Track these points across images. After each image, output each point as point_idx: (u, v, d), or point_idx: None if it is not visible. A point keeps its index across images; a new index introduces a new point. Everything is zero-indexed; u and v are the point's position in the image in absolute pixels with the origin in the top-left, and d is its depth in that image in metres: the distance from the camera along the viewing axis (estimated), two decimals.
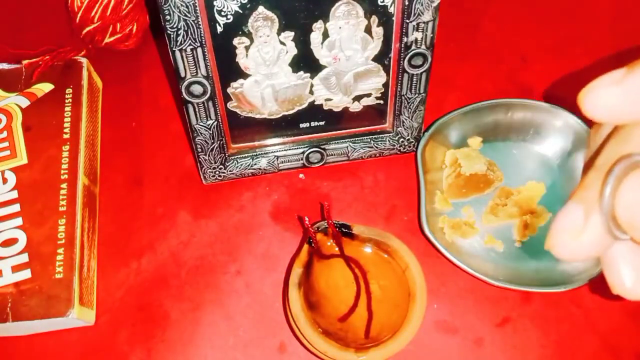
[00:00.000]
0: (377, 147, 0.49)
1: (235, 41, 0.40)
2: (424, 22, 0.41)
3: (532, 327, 0.44)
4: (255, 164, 0.48)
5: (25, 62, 0.50)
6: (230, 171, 0.48)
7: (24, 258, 0.42)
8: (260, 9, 0.39)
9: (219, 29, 0.39)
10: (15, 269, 0.41)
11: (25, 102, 0.48)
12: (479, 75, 0.55)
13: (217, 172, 0.48)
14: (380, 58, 0.44)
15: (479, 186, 0.48)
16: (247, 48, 0.41)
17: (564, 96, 0.52)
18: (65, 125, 0.47)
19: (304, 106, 0.46)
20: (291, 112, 0.46)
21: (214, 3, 0.38)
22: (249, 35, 0.40)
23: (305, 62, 0.43)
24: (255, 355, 0.43)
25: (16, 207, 0.43)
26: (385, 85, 0.46)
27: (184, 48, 0.39)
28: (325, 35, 0.41)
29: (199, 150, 0.46)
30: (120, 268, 0.46)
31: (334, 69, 0.44)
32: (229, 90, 0.43)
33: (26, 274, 0.41)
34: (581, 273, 0.43)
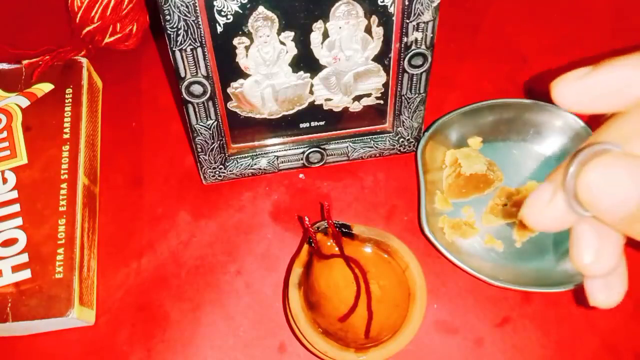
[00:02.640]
0: (377, 147, 0.49)
1: (235, 41, 0.40)
2: (424, 22, 0.41)
3: (532, 327, 0.44)
4: (255, 164, 0.48)
5: (25, 62, 0.50)
6: (230, 171, 0.48)
7: (24, 258, 0.42)
8: (260, 9, 0.39)
9: (219, 29, 0.39)
10: (15, 269, 0.41)
11: (25, 102, 0.48)
12: (479, 75, 0.55)
13: (217, 172, 0.48)
14: (380, 58, 0.44)
15: (479, 186, 0.48)
16: (247, 48, 0.41)
17: None
18: (65, 125, 0.47)
19: (304, 106, 0.46)
20: (291, 112, 0.46)
21: (214, 3, 0.38)
22: (249, 35, 0.40)
23: (305, 62, 0.43)
24: (255, 355, 0.43)
25: (16, 207, 0.43)
26: (385, 85, 0.46)
27: (184, 48, 0.39)
28: (325, 35, 0.41)
29: (199, 150, 0.46)
30: (120, 268, 0.46)
31: (334, 69, 0.44)
32: (229, 90, 0.43)
33: (26, 274, 0.41)
34: (581, 273, 0.43)
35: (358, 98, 0.46)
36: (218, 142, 0.46)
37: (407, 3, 0.40)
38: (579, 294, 0.44)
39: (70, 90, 0.49)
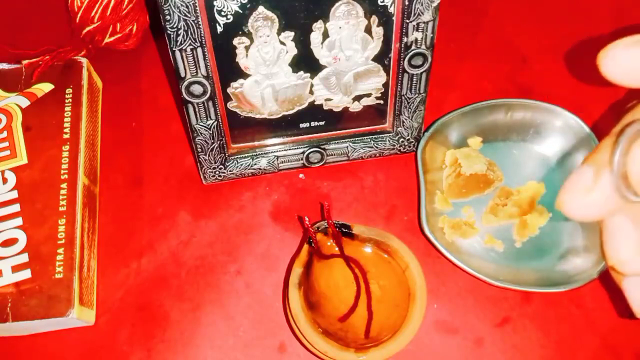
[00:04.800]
0: (377, 147, 0.49)
1: (235, 41, 0.40)
2: (424, 22, 0.41)
3: (532, 327, 0.44)
4: (255, 164, 0.48)
5: (25, 62, 0.50)
6: (230, 171, 0.48)
7: (24, 258, 0.42)
8: (260, 9, 0.39)
9: (219, 29, 0.39)
10: (15, 269, 0.41)
11: (25, 102, 0.48)
12: (479, 75, 0.55)
13: (217, 172, 0.48)
14: (380, 58, 0.44)
15: (479, 186, 0.48)
16: (247, 48, 0.41)
17: (564, 96, 0.52)
18: (65, 125, 0.47)
19: (304, 106, 0.46)
20: (291, 112, 0.46)
21: (214, 3, 0.38)
22: (249, 35, 0.40)
23: (305, 62, 0.43)
24: (255, 355, 0.43)
25: (16, 207, 0.43)
26: (385, 85, 0.46)
27: (184, 48, 0.39)
28: (325, 35, 0.41)
29: (199, 150, 0.46)
30: (120, 268, 0.46)
31: (334, 69, 0.44)
32: (229, 90, 0.43)
33: (26, 274, 0.41)
34: (581, 273, 0.43)
35: (358, 98, 0.46)
36: (218, 142, 0.46)
37: (407, 3, 0.40)
38: (579, 294, 0.45)
39: (70, 90, 0.49)
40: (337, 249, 0.42)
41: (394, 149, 0.50)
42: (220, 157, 0.47)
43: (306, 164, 0.49)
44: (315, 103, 0.46)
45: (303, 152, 0.48)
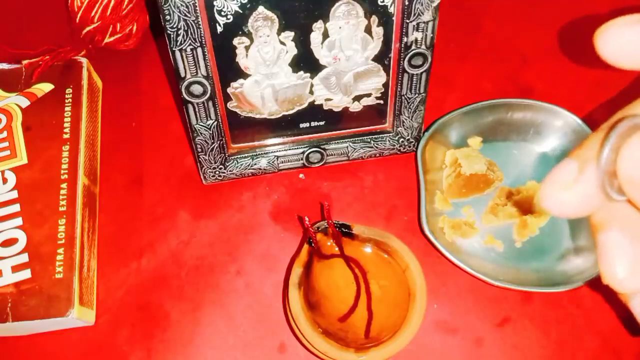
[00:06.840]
0: (377, 147, 0.49)
1: (235, 41, 0.40)
2: (424, 22, 0.41)
3: (532, 327, 0.44)
4: (255, 164, 0.48)
5: (25, 62, 0.50)
6: (230, 171, 0.48)
7: (24, 258, 0.42)
8: (260, 9, 0.39)
9: (219, 29, 0.39)
10: (15, 269, 0.41)
11: (25, 102, 0.48)
12: (479, 75, 0.55)
13: (217, 172, 0.48)
14: (380, 58, 0.44)
15: (479, 186, 0.48)
16: (247, 48, 0.41)
17: (564, 96, 0.52)
18: (65, 125, 0.47)
19: (304, 106, 0.46)
20: (291, 112, 0.46)
21: (214, 3, 0.38)
22: (249, 35, 0.40)
23: (305, 62, 0.43)
24: (255, 355, 0.43)
25: (16, 207, 0.43)
26: (385, 85, 0.46)
27: (184, 48, 0.39)
28: (325, 35, 0.41)
29: (199, 150, 0.46)
30: (120, 268, 0.46)
31: (334, 69, 0.44)
32: (229, 90, 0.43)
33: (26, 274, 0.41)
34: (581, 273, 0.43)
35: (358, 98, 0.46)
36: (218, 142, 0.46)
37: (407, 3, 0.40)
38: (579, 294, 0.45)
39: (70, 90, 0.49)
40: (337, 249, 0.42)
41: (394, 149, 0.50)
42: (220, 157, 0.47)
43: (306, 164, 0.49)
44: (315, 103, 0.46)
45: (303, 152, 0.48)
